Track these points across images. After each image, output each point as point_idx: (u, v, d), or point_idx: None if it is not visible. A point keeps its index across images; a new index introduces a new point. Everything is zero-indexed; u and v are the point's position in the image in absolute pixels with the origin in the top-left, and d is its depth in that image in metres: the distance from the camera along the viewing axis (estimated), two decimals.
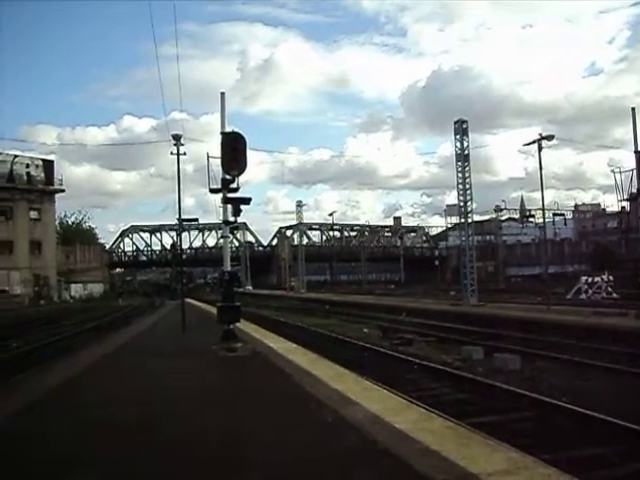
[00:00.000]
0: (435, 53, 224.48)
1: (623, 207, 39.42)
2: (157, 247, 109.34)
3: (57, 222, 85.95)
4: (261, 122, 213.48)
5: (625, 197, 25.52)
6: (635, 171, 23.50)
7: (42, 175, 75.08)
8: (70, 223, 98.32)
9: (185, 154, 24.70)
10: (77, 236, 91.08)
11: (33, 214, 73.76)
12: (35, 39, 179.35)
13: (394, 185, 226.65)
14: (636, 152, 23.61)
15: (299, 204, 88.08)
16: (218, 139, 15.75)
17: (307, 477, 5.49)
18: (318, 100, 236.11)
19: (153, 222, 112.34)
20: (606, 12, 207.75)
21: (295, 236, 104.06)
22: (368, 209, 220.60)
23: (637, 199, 24.10)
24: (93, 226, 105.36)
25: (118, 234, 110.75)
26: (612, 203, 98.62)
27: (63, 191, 77.96)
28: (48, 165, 76.37)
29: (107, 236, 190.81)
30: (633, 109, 25.13)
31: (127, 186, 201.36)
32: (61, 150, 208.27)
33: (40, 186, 74.48)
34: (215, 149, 15.90)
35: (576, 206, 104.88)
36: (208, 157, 15.73)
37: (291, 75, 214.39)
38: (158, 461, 6.05)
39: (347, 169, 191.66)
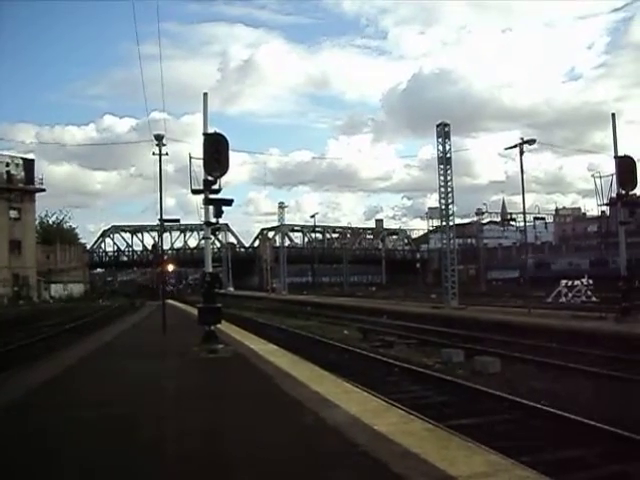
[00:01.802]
0: (416, 56, 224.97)
1: (603, 211, 39.82)
2: (138, 247, 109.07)
3: (37, 222, 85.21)
4: (242, 123, 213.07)
5: (605, 202, 25.65)
6: (615, 176, 23.61)
7: (22, 174, 74.38)
8: (50, 223, 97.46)
9: (167, 154, 24.64)
10: (57, 236, 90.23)
11: (13, 213, 73.08)
12: (13, 38, 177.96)
13: (375, 187, 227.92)
14: (616, 157, 23.77)
15: (281, 206, 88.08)
16: (199, 140, 15.76)
17: (287, 478, 5.50)
18: (299, 101, 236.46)
19: (134, 222, 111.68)
20: (585, 18, 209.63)
21: (277, 238, 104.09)
22: (349, 211, 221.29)
23: (617, 204, 24.21)
24: (74, 226, 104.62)
25: (99, 234, 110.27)
26: (592, 207, 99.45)
27: (44, 190, 77.47)
28: (28, 164, 75.67)
29: (87, 236, 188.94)
30: (613, 115, 25.31)
31: (107, 186, 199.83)
32: (40, 149, 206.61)
33: (20, 185, 73.80)
34: (196, 149, 15.90)
35: (557, 210, 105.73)
36: (190, 158, 15.69)
37: (272, 76, 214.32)
38: (137, 462, 6.03)
39: (328, 171, 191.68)
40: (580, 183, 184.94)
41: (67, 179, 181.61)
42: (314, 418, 7.43)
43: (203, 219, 16.07)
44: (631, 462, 7.18)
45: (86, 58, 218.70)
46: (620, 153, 23.97)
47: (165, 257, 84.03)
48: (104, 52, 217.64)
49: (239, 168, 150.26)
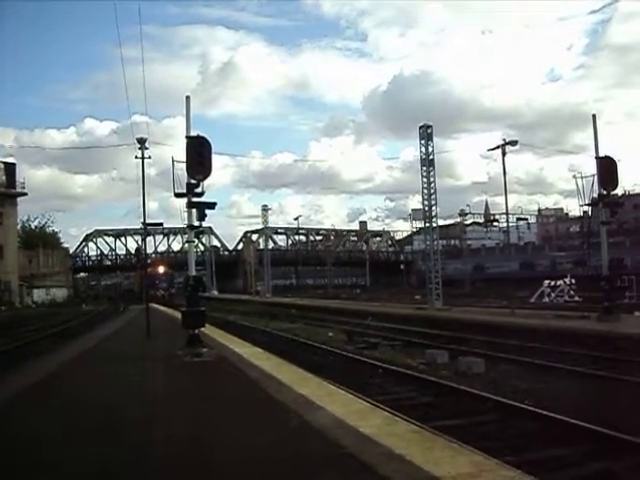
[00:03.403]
0: (396, 58, 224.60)
1: (585, 212, 40.09)
2: (122, 251, 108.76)
3: (19, 226, 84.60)
4: (223, 125, 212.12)
5: (587, 202, 25.86)
6: (596, 176, 23.79)
7: (3, 178, 73.74)
8: (33, 227, 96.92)
9: (150, 158, 24.53)
10: (40, 240, 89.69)
11: None
12: None
13: (357, 189, 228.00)
14: (597, 158, 23.95)
15: (265, 208, 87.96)
16: (181, 143, 15.77)
17: None
18: (281, 104, 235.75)
19: (116, 226, 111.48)
20: (564, 19, 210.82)
21: (261, 240, 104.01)
22: (332, 213, 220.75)
23: (598, 204, 24.39)
24: (56, 230, 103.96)
25: (82, 238, 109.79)
26: (574, 207, 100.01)
27: (25, 194, 76.88)
28: (10, 168, 75.00)
29: (69, 240, 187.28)
30: (594, 116, 25.49)
31: (89, 189, 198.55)
32: (20, 153, 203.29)
33: (1, 189, 73.18)
34: (178, 153, 15.88)
35: (539, 210, 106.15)
36: (173, 161, 15.66)
37: (253, 79, 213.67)
38: (122, 465, 6.04)
39: (310, 173, 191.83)
40: (561, 183, 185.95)
41: (48, 183, 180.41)
42: (299, 421, 7.43)
43: (186, 222, 16.03)
44: (615, 460, 7.22)
45: (66, 61, 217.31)
46: (600, 154, 24.15)
47: (154, 259, 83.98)
48: (84, 55, 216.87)
49: (221, 171, 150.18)
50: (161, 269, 76.05)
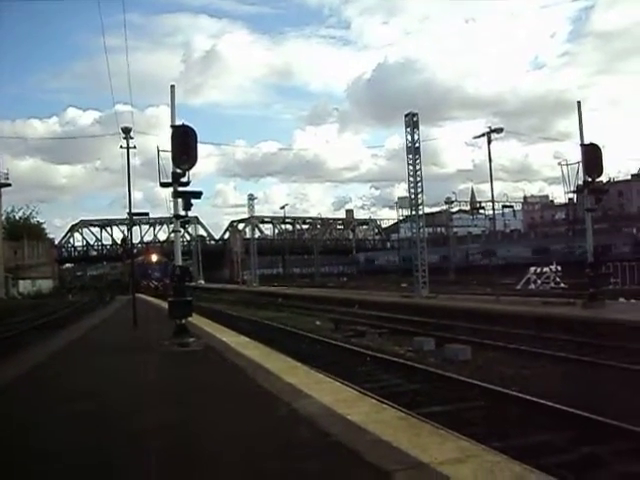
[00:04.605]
0: (380, 46, 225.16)
1: (570, 199, 40.22)
2: (108, 242, 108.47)
3: (4, 217, 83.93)
4: (207, 114, 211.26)
5: (572, 189, 25.90)
6: (581, 163, 23.87)
7: None
8: (17, 218, 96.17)
9: (135, 147, 24.39)
10: (25, 231, 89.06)
11: None
12: None
13: (343, 178, 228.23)
14: (582, 145, 24.01)
15: (251, 198, 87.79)
16: (164, 132, 15.69)
17: (261, 469, 5.50)
18: (265, 92, 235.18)
19: (101, 216, 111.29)
20: (547, 7, 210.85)
21: (247, 229, 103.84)
22: (317, 202, 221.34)
23: (583, 191, 24.49)
24: (41, 221, 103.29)
25: (67, 229, 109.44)
26: (559, 194, 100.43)
27: (9, 185, 76.19)
28: None
29: (54, 231, 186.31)
30: (579, 103, 25.51)
31: (73, 180, 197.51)
32: (1, 143, 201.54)
33: None
34: (162, 142, 15.79)
35: (525, 198, 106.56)
36: (158, 151, 15.56)
37: (237, 67, 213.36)
38: (114, 455, 6.04)
39: (295, 162, 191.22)
40: (546, 171, 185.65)
41: (31, 173, 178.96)
42: (287, 409, 7.44)
43: (172, 212, 15.98)
44: (600, 445, 7.30)
45: (47, 50, 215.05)
46: (585, 141, 24.22)
47: (142, 249, 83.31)
48: (66, 44, 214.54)
49: (205, 160, 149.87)
50: (154, 257, 73.92)
